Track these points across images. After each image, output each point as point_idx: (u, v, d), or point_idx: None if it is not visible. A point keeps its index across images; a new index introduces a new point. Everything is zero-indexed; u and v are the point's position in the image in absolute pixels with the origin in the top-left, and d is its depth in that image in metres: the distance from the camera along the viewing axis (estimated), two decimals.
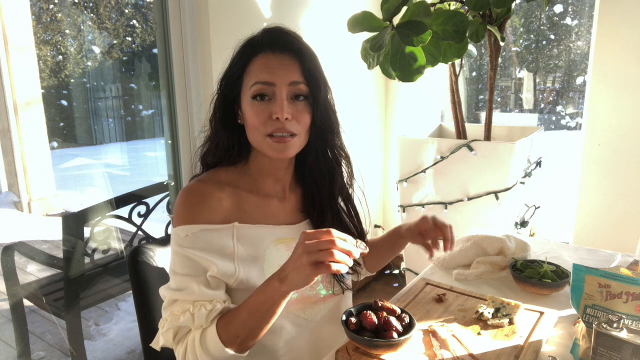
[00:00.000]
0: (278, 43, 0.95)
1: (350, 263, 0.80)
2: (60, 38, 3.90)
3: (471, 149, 2.17)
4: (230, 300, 0.96)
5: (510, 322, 1.00)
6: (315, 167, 1.05)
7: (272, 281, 0.85)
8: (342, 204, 1.11)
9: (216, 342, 0.88)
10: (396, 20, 1.72)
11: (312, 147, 1.02)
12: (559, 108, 3.60)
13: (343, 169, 1.09)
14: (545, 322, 1.01)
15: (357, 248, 0.82)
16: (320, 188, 1.06)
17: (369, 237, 1.20)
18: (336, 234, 0.80)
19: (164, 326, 0.93)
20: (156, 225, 2.36)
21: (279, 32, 0.98)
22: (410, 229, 1.16)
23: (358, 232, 1.12)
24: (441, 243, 1.12)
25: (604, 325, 0.81)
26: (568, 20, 3.41)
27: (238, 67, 0.97)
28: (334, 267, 0.78)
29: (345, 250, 0.79)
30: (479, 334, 0.98)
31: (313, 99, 0.96)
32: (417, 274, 1.78)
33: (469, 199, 2.24)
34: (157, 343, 0.96)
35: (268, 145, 0.95)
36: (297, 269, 0.81)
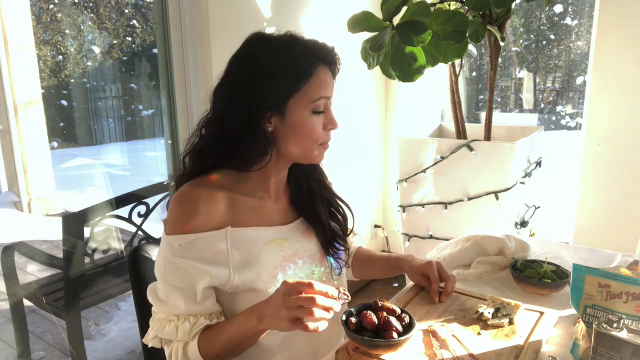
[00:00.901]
0: (331, 58, 1.00)
1: (330, 317, 0.80)
2: (60, 38, 3.90)
3: (471, 149, 2.17)
4: (217, 312, 0.97)
5: (510, 322, 1.00)
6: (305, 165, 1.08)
7: (251, 317, 0.87)
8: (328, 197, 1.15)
9: (197, 357, 0.93)
10: (396, 20, 1.72)
11: None
12: (559, 108, 3.60)
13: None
14: (545, 322, 1.01)
15: (339, 300, 0.82)
16: (308, 176, 1.10)
17: (368, 236, 1.20)
18: (318, 288, 0.79)
19: (153, 327, 0.97)
20: (156, 225, 2.36)
21: (329, 47, 1.01)
22: (414, 268, 1.17)
23: (342, 210, 1.15)
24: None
25: (604, 325, 0.81)
26: (568, 20, 3.41)
27: (292, 75, 0.92)
28: (312, 326, 0.78)
29: (326, 307, 0.79)
30: (479, 334, 0.98)
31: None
32: None
33: (469, 199, 2.24)
34: (148, 340, 0.99)
35: (318, 152, 1.01)
36: (275, 318, 0.82)
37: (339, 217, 1.15)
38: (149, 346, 0.98)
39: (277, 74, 0.93)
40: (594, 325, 0.82)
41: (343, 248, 1.13)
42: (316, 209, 1.09)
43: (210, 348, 0.92)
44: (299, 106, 0.94)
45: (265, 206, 1.03)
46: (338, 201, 1.16)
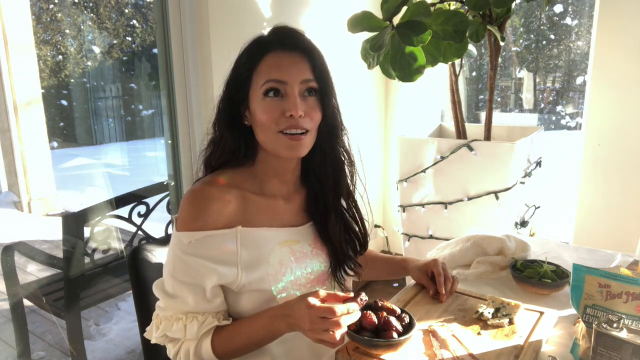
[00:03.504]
0: (288, 41, 0.95)
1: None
2: (60, 38, 3.90)
3: (471, 149, 2.17)
4: (224, 312, 0.98)
5: (510, 322, 1.00)
6: (321, 166, 1.04)
7: (279, 322, 0.89)
8: (345, 204, 1.11)
9: (211, 356, 0.94)
10: (396, 20, 1.72)
11: (319, 146, 1.01)
12: (559, 108, 3.60)
13: (346, 169, 1.08)
14: (545, 322, 1.01)
15: (358, 305, 0.85)
16: (325, 188, 1.05)
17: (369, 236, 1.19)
18: (340, 311, 0.81)
19: (158, 327, 0.96)
20: (156, 225, 2.36)
21: (288, 30, 0.98)
22: (419, 268, 1.18)
23: (361, 234, 1.12)
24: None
25: (604, 325, 0.81)
26: (568, 20, 3.41)
27: (246, 67, 0.96)
28: (337, 345, 0.83)
29: (349, 324, 0.84)
30: (479, 334, 0.98)
31: (323, 96, 0.96)
32: None
33: (469, 199, 2.24)
34: (151, 335, 0.99)
35: (282, 142, 0.94)
36: (303, 332, 0.86)
37: (354, 239, 1.10)
38: (152, 342, 0.98)
39: (238, 69, 0.98)
40: (594, 325, 0.82)
41: (352, 273, 1.11)
42: (329, 227, 1.05)
43: (227, 348, 0.94)
44: (255, 94, 0.95)
45: (276, 206, 1.03)
46: (355, 222, 1.11)
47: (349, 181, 1.09)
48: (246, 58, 0.97)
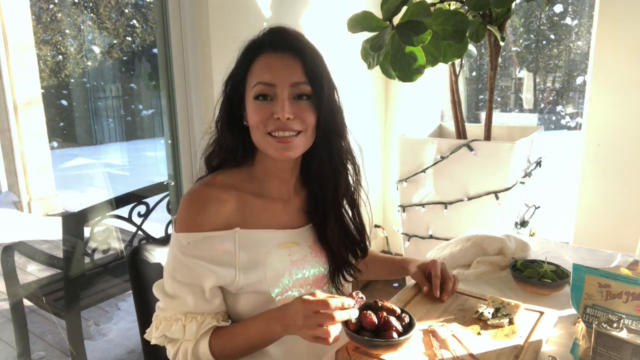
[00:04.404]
0: (279, 43, 0.94)
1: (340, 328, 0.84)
2: (60, 38, 3.90)
3: (471, 149, 2.17)
4: (223, 312, 0.98)
5: (510, 322, 1.00)
6: (320, 169, 1.03)
7: (275, 325, 0.89)
8: (346, 207, 1.09)
9: (209, 357, 0.94)
10: (396, 20, 1.72)
11: (317, 149, 1.00)
12: (559, 108, 3.61)
13: (349, 172, 1.06)
14: (545, 322, 1.01)
15: (355, 304, 0.85)
16: (324, 191, 1.04)
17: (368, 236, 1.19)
18: (334, 304, 0.82)
19: (158, 327, 0.97)
20: (156, 225, 2.36)
21: (280, 31, 0.97)
22: (420, 267, 1.18)
23: (360, 238, 1.11)
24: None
25: (604, 325, 0.81)
26: (568, 20, 3.42)
27: (241, 68, 0.96)
28: (331, 340, 0.82)
29: (344, 320, 0.84)
30: (479, 334, 0.98)
31: (317, 99, 0.94)
32: None
33: (469, 199, 2.24)
34: (150, 336, 0.99)
35: (269, 144, 0.93)
36: (299, 332, 0.86)
37: (353, 244, 1.09)
38: (151, 343, 0.99)
39: (235, 70, 0.98)
40: (594, 325, 0.82)
41: (351, 278, 1.10)
42: (327, 230, 1.04)
43: (224, 350, 0.94)
44: (248, 95, 0.96)
45: (275, 208, 1.02)
46: (356, 227, 1.10)
47: (352, 184, 1.08)
48: (241, 59, 0.97)
